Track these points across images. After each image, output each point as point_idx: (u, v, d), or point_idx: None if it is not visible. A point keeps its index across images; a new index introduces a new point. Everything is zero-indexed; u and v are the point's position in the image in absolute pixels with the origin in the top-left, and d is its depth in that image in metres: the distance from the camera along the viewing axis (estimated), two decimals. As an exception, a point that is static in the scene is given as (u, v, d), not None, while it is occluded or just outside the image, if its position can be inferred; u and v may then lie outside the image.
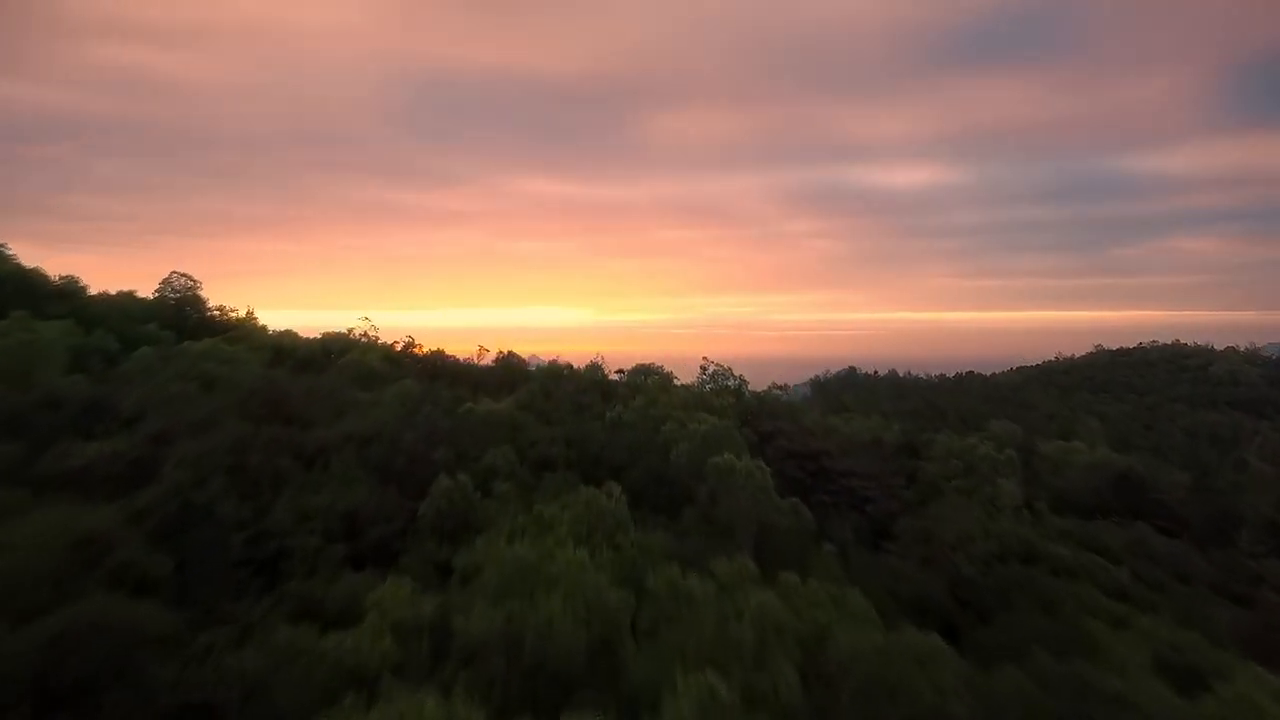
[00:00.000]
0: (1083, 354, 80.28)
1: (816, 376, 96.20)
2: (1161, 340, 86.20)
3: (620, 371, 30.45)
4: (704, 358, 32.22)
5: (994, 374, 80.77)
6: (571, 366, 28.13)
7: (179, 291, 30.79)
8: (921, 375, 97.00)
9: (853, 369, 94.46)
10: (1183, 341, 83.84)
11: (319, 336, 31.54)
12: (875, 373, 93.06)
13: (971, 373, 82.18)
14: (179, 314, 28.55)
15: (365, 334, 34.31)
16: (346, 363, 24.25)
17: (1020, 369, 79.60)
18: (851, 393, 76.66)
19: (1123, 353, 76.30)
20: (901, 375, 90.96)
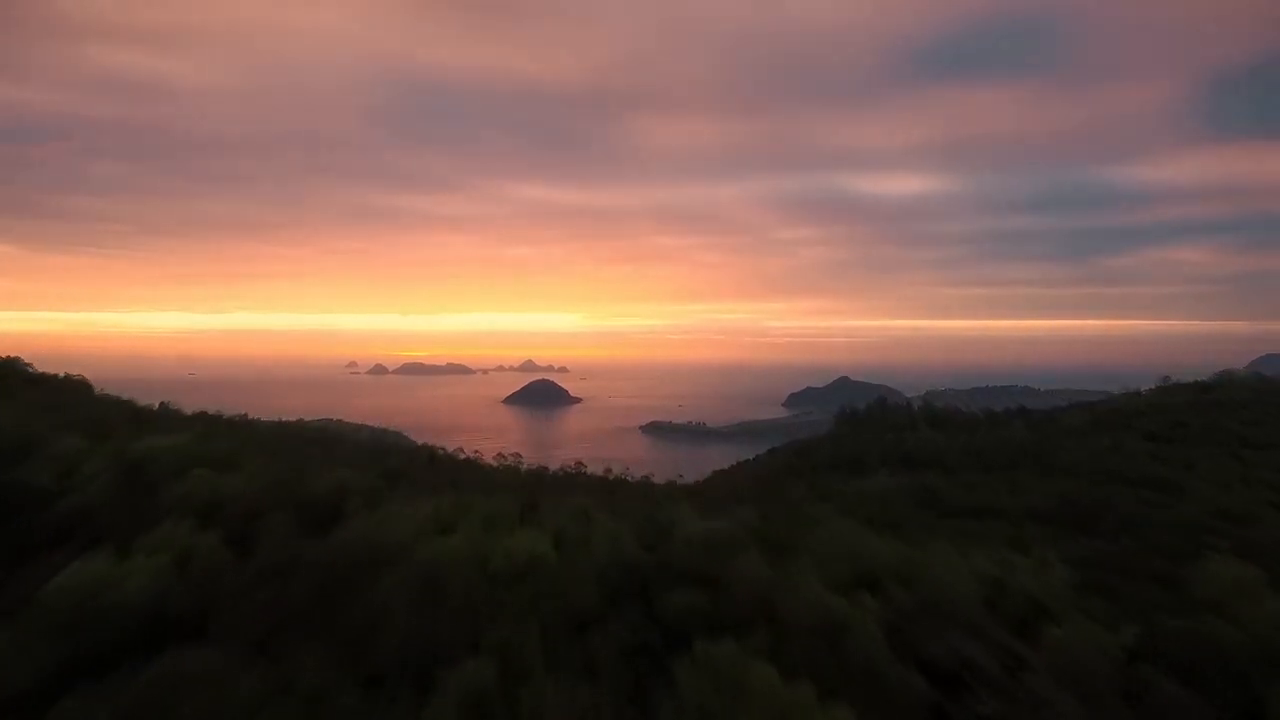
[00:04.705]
0: (1148, 388, 68.02)
1: (842, 408, 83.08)
2: (1234, 366, 74.52)
3: (654, 549, 15.51)
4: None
5: (1051, 412, 67.98)
6: (569, 573, 13.54)
7: None
8: (960, 405, 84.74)
9: (882, 398, 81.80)
10: (1264, 374, 71.97)
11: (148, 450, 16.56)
12: (909, 403, 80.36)
13: (1024, 408, 69.41)
14: None
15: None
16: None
17: (1079, 405, 66.95)
18: (885, 427, 64.01)
19: (1200, 389, 63.79)
20: (939, 407, 78.31)
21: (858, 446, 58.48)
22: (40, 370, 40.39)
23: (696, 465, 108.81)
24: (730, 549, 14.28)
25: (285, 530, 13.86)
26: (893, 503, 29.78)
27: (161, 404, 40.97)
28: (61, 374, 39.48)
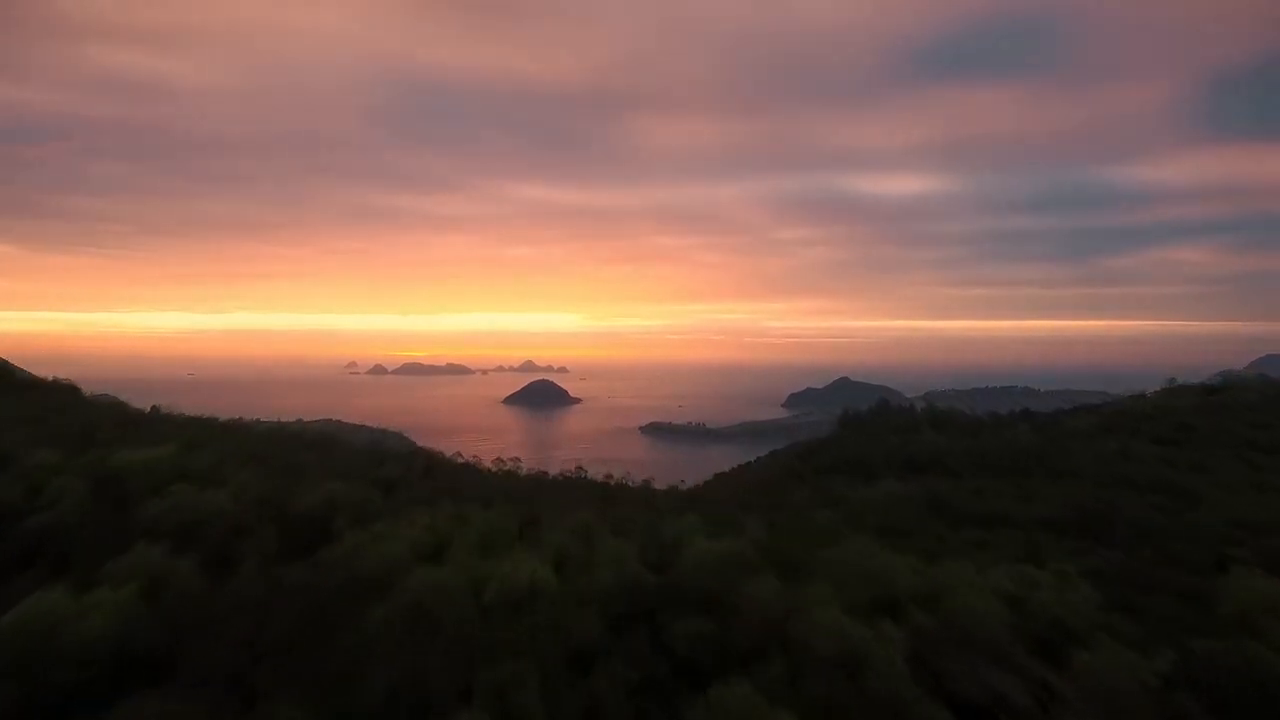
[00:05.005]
0: (1154, 389, 67.11)
1: (846, 411, 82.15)
2: (1234, 367, 73.79)
3: (661, 569, 13.16)
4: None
5: (1056, 415, 67.22)
6: (570, 601, 11.50)
7: None
8: (961, 406, 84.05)
9: (885, 401, 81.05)
10: (1269, 376, 70.93)
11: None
12: (911, 405, 79.72)
13: (1028, 411, 68.62)
14: None
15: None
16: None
17: (1084, 408, 66.16)
18: (888, 430, 63.40)
19: (1206, 391, 62.88)
20: (942, 408, 77.64)
21: (861, 449, 57.59)
22: (38, 372, 39.49)
23: (697, 467, 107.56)
24: (741, 571, 13.39)
25: (267, 553, 12.99)
26: (901, 510, 28.91)
27: (153, 408, 40.05)
28: (51, 379, 38.55)
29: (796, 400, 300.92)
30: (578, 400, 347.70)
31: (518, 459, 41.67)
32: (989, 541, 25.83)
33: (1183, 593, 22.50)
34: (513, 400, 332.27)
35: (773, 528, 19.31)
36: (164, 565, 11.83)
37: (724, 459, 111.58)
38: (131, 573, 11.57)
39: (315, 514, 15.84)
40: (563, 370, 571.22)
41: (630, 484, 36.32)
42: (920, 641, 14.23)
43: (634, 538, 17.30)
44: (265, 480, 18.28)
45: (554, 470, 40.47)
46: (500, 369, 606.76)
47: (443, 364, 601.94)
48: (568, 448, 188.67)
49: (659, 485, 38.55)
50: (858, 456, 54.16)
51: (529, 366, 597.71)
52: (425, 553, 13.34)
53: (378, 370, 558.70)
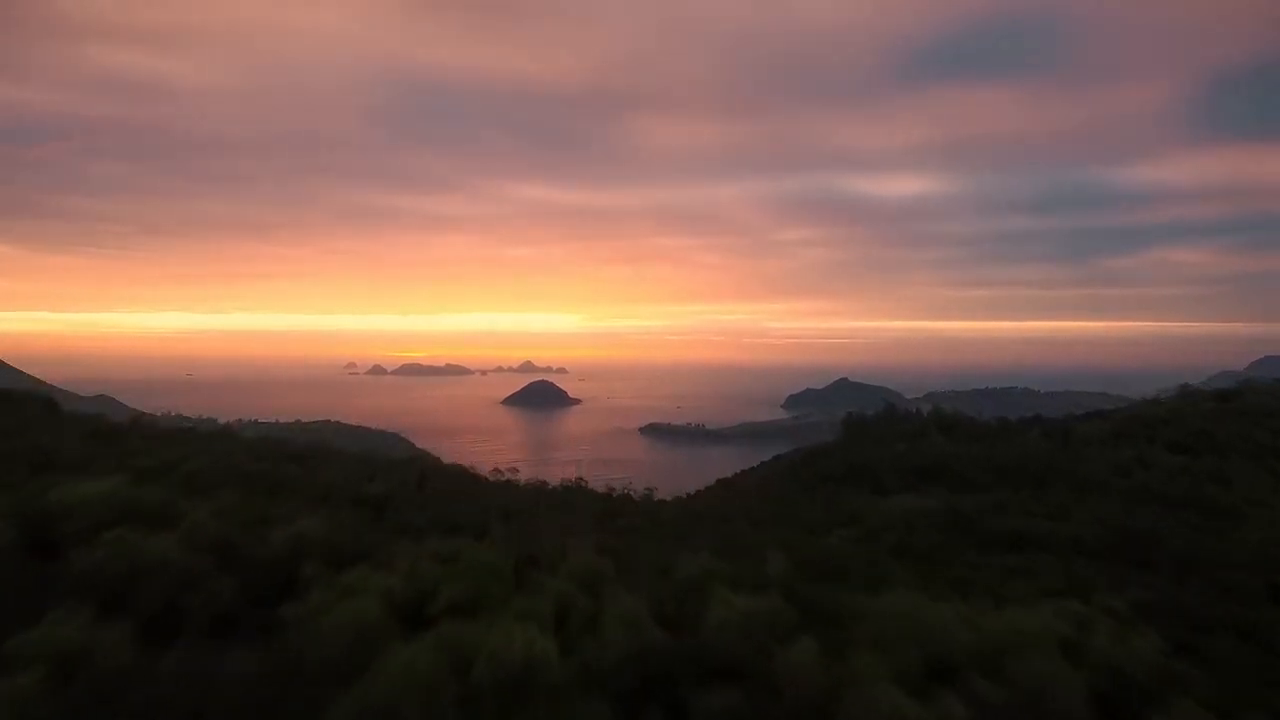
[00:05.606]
0: (1167, 391, 65.48)
1: (850, 414, 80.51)
2: (1234, 368, 72.25)
3: (677, 627, 12.38)
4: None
5: (1067, 420, 65.64)
6: (573, 680, 10.55)
7: None
8: (962, 407, 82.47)
9: (890, 404, 79.46)
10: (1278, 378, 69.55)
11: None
12: (917, 408, 78.08)
13: (1039, 416, 67.01)
14: None
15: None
16: None
17: (1095, 413, 64.51)
18: (895, 435, 61.69)
19: (1220, 396, 61.23)
20: (949, 412, 76.16)
21: (866, 455, 55.76)
22: (36, 373, 37.71)
23: (697, 469, 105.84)
24: (772, 630, 11.50)
25: (216, 615, 11.11)
26: (921, 529, 27.05)
27: (135, 419, 38.15)
28: (25, 388, 36.68)
29: (796, 401, 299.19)
30: (577, 401, 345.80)
31: (516, 468, 40.17)
32: (1023, 568, 23.92)
33: (1243, 631, 20.59)
34: (512, 401, 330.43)
35: (798, 564, 17.43)
36: (85, 637, 9.71)
37: (724, 460, 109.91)
38: (42, 649, 9.41)
39: (281, 558, 13.66)
40: (562, 371, 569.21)
41: (632, 494, 34.64)
42: (982, 713, 12.37)
43: (642, 578, 15.43)
44: (229, 514, 16.17)
45: (553, 475, 39.12)
46: (499, 369, 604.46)
47: (442, 364, 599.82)
48: (567, 449, 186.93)
49: (662, 493, 36.91)
50: (863, 463, 52.23)
51: (528, 367, 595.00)
52: (404, 609, 11.38)
53: (377, 370, 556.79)
